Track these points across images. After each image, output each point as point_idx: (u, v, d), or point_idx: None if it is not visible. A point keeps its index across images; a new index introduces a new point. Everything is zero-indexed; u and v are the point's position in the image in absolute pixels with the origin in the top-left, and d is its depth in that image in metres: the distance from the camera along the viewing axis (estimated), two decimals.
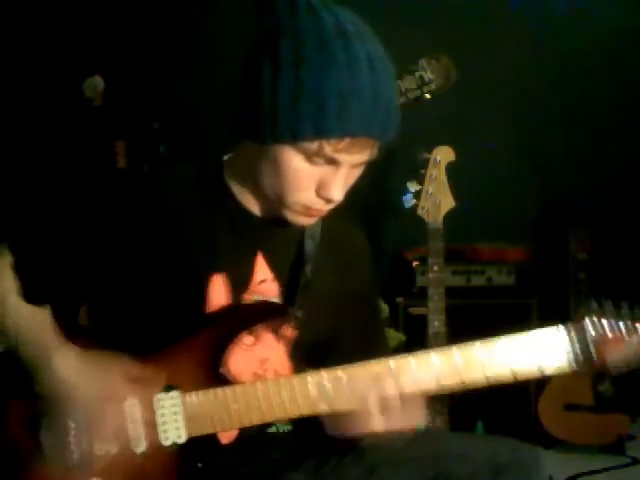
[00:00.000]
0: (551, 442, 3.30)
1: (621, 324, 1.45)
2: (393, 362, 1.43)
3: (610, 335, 1.45)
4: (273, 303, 1.54)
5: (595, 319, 1.45)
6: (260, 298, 1.53)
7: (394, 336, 3.16)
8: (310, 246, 1.56)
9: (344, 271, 1.62)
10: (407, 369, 1.42)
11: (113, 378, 1.41)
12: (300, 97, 1.30)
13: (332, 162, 1.36)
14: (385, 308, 3.23)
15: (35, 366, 1.44)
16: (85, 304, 1.58)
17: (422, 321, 2.55)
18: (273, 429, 1.58)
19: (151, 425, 1.44)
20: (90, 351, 1.45)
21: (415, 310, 3.22)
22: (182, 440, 1.45)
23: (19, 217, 1.56)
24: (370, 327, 1.70)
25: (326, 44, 1.31)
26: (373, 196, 3.53)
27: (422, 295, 2.60)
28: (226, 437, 1.51)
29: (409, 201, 2.53)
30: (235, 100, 1.40)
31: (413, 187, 2.53)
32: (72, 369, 1.43)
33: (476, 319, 3.19)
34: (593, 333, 1.44)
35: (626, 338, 1.45)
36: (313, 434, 1.63)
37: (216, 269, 1.49)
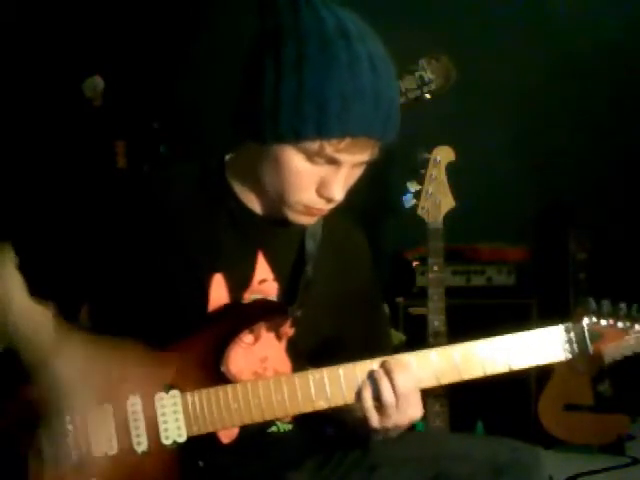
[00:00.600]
0: (551, 442, 3.30)
1: (619, 323, 1.46)
2: (391, 359, 1.44)
3: (608, 334, 1.45)
4: (273, 302, 1.54)
5: (594, 318, 1.46)
6: (260, 297, 1.53)
7: (394, 336, 3.16)
8: (311, 246, 1.56)
9: (345, 270, 1.62)
10: (404, 362, 1.43)
11: (113, 376, 1.41)
12: (302, 98, 1.30)
13: (333, 162, 1.36)
14: (385, 308, 3.23)
15: (34, 365, 1.44)
16: (86, 304, 1.58)
17: (422, 321, 2.55)
18: (274, 429, 1.58)
19: (152, 424, 1.44)
20: (93, 343, 1.44)
21: (415, 310, 3.22)
22: (183, 439, 1.45)
23: (20, 217, 1.57)
24: (373, 326, 1.70)
25: (328, 45, 1.31)
26: (373, 196, 3.53)
27: (422, 295, 2.60)
28: (227, 436, 1.51)
29: (409, 201, 2.53)
30: (235, 100, 1.41)
31: (413, 187, 2.53)
32: (71, 369, 1.43)
33: (476, 319, 3.19)
34: (591, 332, 1.44)
35: (624, 337, 1.46)
36: (314, 434, 1.63)
37: (217, 268, 1.49)
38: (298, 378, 1.45)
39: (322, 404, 1.44)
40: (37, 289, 1.50)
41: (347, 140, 1.33)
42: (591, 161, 3.71)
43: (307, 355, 1.59)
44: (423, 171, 2.52)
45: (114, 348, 1.45)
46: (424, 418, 2.51)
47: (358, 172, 1.43)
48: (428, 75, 2.42)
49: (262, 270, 1.54)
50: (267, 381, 1.45)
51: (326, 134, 1.32)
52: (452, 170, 2.53)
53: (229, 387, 1.45)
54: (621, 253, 3.75)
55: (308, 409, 1.45)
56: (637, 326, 1.46)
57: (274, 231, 1.54)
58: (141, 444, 1.45)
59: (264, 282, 1.54)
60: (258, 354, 1.54)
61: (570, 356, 1.45)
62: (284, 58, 1.31)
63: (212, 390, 1.45)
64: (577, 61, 3.69)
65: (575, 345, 1.45)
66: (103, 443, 1.46)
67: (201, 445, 1.45)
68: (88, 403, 1.43)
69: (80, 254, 1.49)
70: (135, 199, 1.50)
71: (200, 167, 1.55)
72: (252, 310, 1.51)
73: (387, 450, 1.54)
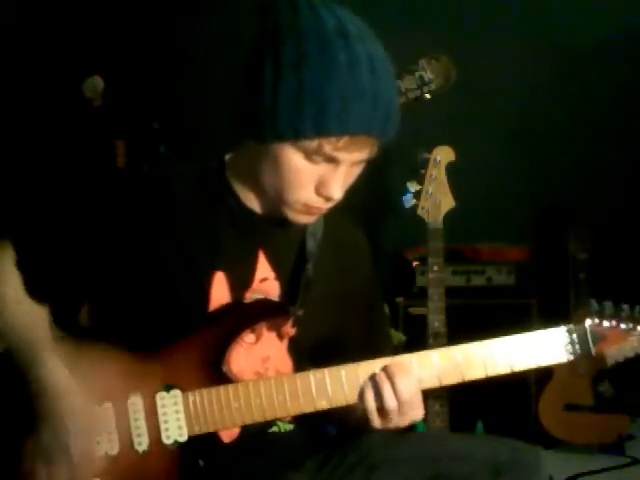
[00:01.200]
0: (551, 442, 3.30)
1: (622, 325, 1.46)
2: (392, 363, 1.44)
3: (610, 336, 1.45)
4: (274, 301, 1.54)
5: (596, 320, 1.45)
6: (261, 296, 1.53)
7: (394, 336, 3.16)
8: (312, 245, 1.57)
9: (345, 270, 1.62)
10: (406, 367, 1.43)
11: (109, 379, 1.41)
12: (301, 97, 1.30)
13: (331, 160, 1.36)
14: (385, 308, 3.23)
15: (29, 365, 1.44)
16: (86, 303, 1.58)
17: (422, 321, 2.54)
18: (275, 428, 1.58)
19: (153, 424, 1.44)
20: (86, 349, 1.45)
21: (415, 310, 3.22)
22: (184, 439, 1.45)
23: (21, 216, 1.57)
24: (373, 325, 1.70)
25: (327, 45, 1.31)
26: (373, 196, 3.53)
27: (422, 295, 2.60)
28: (228, 436, 1.51)
29: (409, 201, 2.53)
30: (235, 100, 1.41)
31: (413, 187, 2.53)
32: (68, 369, 1.43)
33: (476, 319, 3.19)
34: (594, 334, 1.44)
35: (627, 339, 1.46)
36: (315, 434, 1.63)
37: (218, 267, 1.49)
38: (299, 378, 1.45)
39: (324, 404, 1.44)
40: (36, 287, 1.51)
41: (346, 138, 1.33)
42: (591, 161, 3.71)
43: (308, 354, 1.59)
44: (423, 171, 2.52)
45: (113, 348, 1.45)
46: (424, 418, 2.51)
47: (357, 171, 1.43)
48: (428, 75, 2.42)
49: (263, 269, 1.54)
50: (268, 381, 1.45)
51: (325, 133, 1.32)
52: (452, 170, 2.53)
53: (230, 387, 1.45)
54: (621, 253, 3.75)
55: (309, 409, 1.45)
56: None
57: (274, 230, 1.54)
58: (142, 444, 1.45)
59: (265, 281, 1.54)
60: (259, 354, 1.54)
61: (572, 358, 1.44)
62: (283, 57, 1.31)
63: (213, 390, 1.45)
64: (577, 61, 3.69)
65: (577, 347, 1.44)
66: (104, 443, 1.46)
67: (202, 444, 1.45)
68: (86, 402, 1.43)
69: (80, 254, 1.50)
70: (135, 199, 1.50)
71: (200, 167, 1.55)
72: (253, 310, 1.51)
73: (387, 450, 1.54)
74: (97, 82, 3.35)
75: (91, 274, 1.51)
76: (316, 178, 1.39)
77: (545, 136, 3.77)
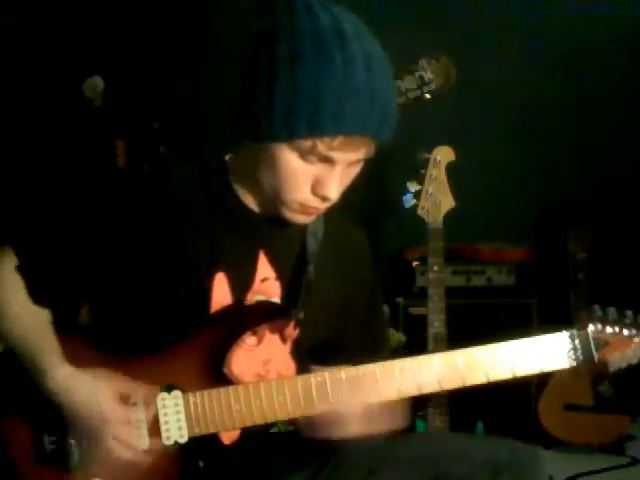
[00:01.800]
0: (551, 442, 3.30)
1: (625, 331, 1.45)
2: (396, 363, 1.43)
3: (613, 342, 1.44)
4: (276, 304, 1.54)
5: (599, 326, 1.44)
6: (263, 297, 1.53)
7: (394, 336, 3.16)
8: (312, 245, 1.56)
9: (346, 271, 1.62)
10: (410, 371, 1.42)
11: (103, 403, 1.41)
12: (296, 96, 1.29)
13: (327, 160, 1.36)
14: (385, 308, 3.23)
15: (32, 369, 1.45)
16: (87, 304, 1.58)
17: (422, 321, 2.54)
18: (275, 430, 1.58)
19: (153, 425, 1.44)
20: (86, 350, 1.45)
21: (415, 310, 3.22)
22: (184, 440, 1.45)
23: (21, 218, 1.57)
24: (372, 326, 1.70)
25: (322, 43, 1.30)
26: (373, 196, 3.53)
27: (422, 295, 2.60)
28: (228, 437, 1.51)
29: (409, 201, 2.52)
30: (234, 100, 1.40)
31: (413, 187, 2.52)
32: (70, 371, 1.44)
33: (476, 319, 3.20)
34: (597, 340, 1.43)
35: (629, 345, 1.45)
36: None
37: (218, 268, 1.49)
38: (300, 381, 1.44)
39: (324, 407, 1.44)
40: (37, 290, 1.51)
41: (340, 138, 1.32)
42: (591, 161, 3.71)
43: (309, 355, 1.59)
44: (423, 171, 2.52)
45: (114, 349, 1.45)
46: (424, 418, 2.51)
47: (354, 171, 1.42)
48: (428, 75, 2.41)
49: (264, 269, 1.54)
50: (269, 383, 1.45)
51: (319, 132, 1.31)
52: (452, 170, 2.53)
53: (231, 388, 1.44)
54: (621, 253, 3.75)
55: (310, 412, 1.44)
56: None
57: (274, 231, 1.53)
58: (142, 444, 1.45)
59: (266, 281, 1.54)
60: (261, 356, 1.54)
61: (575, 363, 1.43)
62: (278, 57, 1.31)
63: (214, 391, 1.45)
64: (577, 61, 3.69)
65: (580, 352, 1.43)
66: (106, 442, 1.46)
67: (202, 446, 1.45)
68: (88, 413, 1.44)
69: (81, 254, 1.49)
70: (135, 199, 1.50)
71: (200, 167, 1.55)
72: (255, 312, 1.51)
73: (387, 450, 1.54)
74: (97, 82, 3.35)
75: (92, 275, 1.51)
76: (312, 178, 1.38)
77: (545, 136, 3.77)
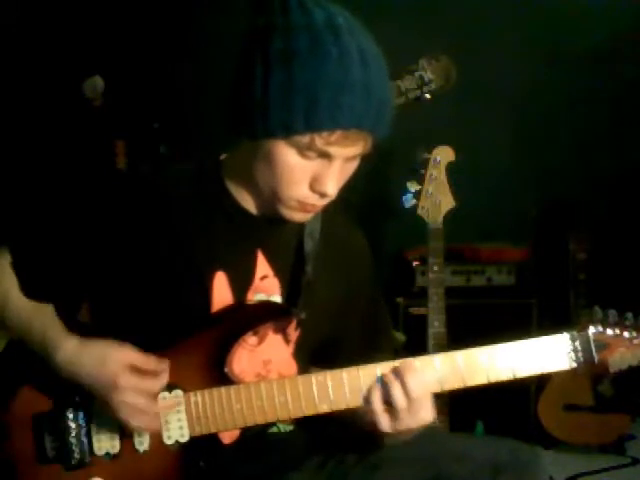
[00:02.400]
0: (551, 442, 3.30)
1: (625, 333, 1.45)
2: (400, 362, 1.43)
3: (614, 344, 1.44)
4: (277, 304, 1.54)
5: (600, 327, 1.44)
6: (264, 296, 1.53)
7: (394, 336, 3.16)
8: (310, 245, 1.56)
9: (345, 270, 1.62)
10: (414, 369, 1.42)
11: (114, 368, 1.40)
12: (291, 91, 1.29)
13: (325, 156, 1.35)
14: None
15: (42, 350, 1.45)
16: (87, 302, 1.58)
17: (422, 321, 2.54)
18: (275, 429, 1.58)
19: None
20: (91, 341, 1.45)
21: (415, 310, 3.22)
22: (185, 439, 1.45)
23: (21, 217, 1.57)
24: (373, 325, 1.70)
25: (317, 38, 1.30)
26: (373, 196, 3.53)
27: (422, 295, 2.60)
28: (228, 437, 1.51)
29: (409, 201, 2.53)
30: (229, 98, 1.40)
31: (413, 187, 2.52)
32: (71, 361, 1.43)
33: (476, 319, 3.20)
34: (597, 341, 1.43)
35: (630, 348, 1.45)
36: (315, 434, 1.63)
37: (218, 267, 1.49)
38: (301, 381, 1.44)
39: (325, 408, 1.43)
40: (37, 288, 1.51)
41: (337, 133, 1.32)
42: (591, 161, 3.71)
43: (311, 356, 1.59)
44: (423, 171, 2.52)
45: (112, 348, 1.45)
46: None
47: (352, 167, 1.42)
48: (428, 75, 2.41)
49: (262, 267, 1.54)
50: (270, 383, 1.45)
51: (316, 127, 1.31)
52: (452, 170, 2.53)
53: (232, 388, 1.44)
54: (621, 253, 3.75)
55: (311, 412, 1.44)
56: None
57: (271, 230, 1.53)
58: (143, 443, 1.45)
59: (265, 278, 1.54)
60: (262, 356, 1.54)
61: (575, 365, 1.43)
62: (273, 53, 1.30)
63: (215, 390, 1.45)
64: (577, 61, 3.69)
65: (580, 354, 1.43)
66: (105, 442, 1.46)
67: (202, 445, 1.45)
68: (89, 400, 1.44)
69: (81, 254, 1.49)
70: (135, 199, 1.50)
71: (196, 167, 1.55)
72: (256, 312, 1.51)
73: (387, 450, 1.54)
74: (97, 82, 3.35)
75: (91, 275, 1.51)
76: (310, 174, 1.38)
77: (545, 136, 3.77)
